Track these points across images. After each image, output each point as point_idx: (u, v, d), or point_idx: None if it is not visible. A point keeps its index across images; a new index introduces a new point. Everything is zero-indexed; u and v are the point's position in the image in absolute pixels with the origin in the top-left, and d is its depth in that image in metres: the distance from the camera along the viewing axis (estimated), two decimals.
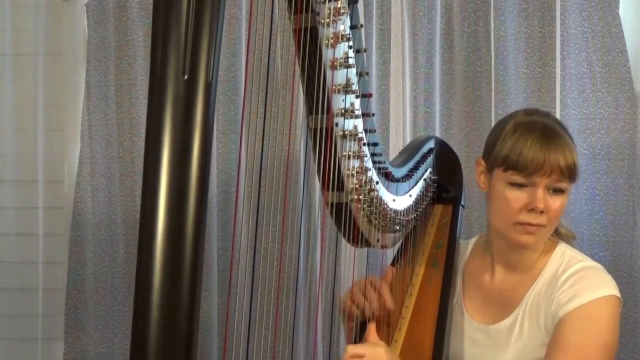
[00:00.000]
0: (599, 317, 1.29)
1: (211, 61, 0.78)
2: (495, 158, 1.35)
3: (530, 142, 1.30)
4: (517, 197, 1.31)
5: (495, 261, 1.44)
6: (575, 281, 1.33)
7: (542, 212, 1.30)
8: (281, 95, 1.21)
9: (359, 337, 1.39)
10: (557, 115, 1.98)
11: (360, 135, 1.23)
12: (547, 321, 1.33)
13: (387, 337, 1.39)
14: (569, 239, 1.44)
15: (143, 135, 0.81)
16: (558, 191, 1.31)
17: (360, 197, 1.28)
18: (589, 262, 1.38)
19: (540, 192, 1.30)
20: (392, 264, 1.52)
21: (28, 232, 2.20)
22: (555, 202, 1.31)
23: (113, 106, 2.14)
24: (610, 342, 1.29)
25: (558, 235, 1.44)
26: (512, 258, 1.41)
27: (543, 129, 1.32)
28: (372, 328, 1.31)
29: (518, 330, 1.36)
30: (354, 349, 1.23)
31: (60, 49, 2.18)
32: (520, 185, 1.31)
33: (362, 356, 1.22)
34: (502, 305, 1.41)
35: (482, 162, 1.41)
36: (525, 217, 1.31)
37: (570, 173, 1.30)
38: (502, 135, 1.35)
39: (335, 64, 1.16)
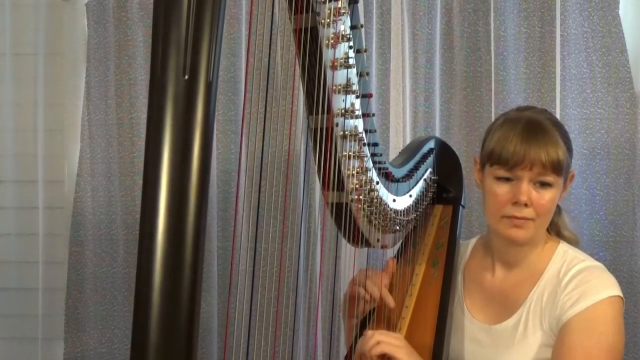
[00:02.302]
0: (604, 320, 1.29)
1: (212, 61, 0.78)
2: (484, 153, 1.38)
3: (513, 136, 1.31)
4: (503, 190, 1.33)
5: (496, 260, 1.44)
6: (578, 283, 1.32)
7: (527, 205, 1.31)
8: (281, 95, 1.21)
9: (360, 335, 1.39)
10: (557, 115, 1.98)
11: (360, 135, 1.23)
12: (551, 323, 1.33)
13: None
14: (573, 244, 1.44)
15: (143, 135, 0.81)
16: (545, 185, 1.31)
17: (361, 197, 1.28)
18: (590, 261, 1.38)
19: (524, 186, 1.31)
20: None
21: (28, 232, 2.20)
22: (543, 195, 1.31)
23: (113, 106, 2.14)
24: (616, 344, 1.29)
25: (561, 237, 1.44)
26: (511, 256, 1.41)
27: (527, 123, 1.33)
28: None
29: (522, 330, 1.36)
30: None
31: (60, 49, 2.18)
32: (506, 179, 1.33)
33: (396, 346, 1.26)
34: (504, 304, 1.41)
35: (478, 160, 1.42)
36: (510, 210, 1.32)
37: (553, 167, 1.30)
38: (492, 130, 1.38)
39: (336, 64, 1.16)
